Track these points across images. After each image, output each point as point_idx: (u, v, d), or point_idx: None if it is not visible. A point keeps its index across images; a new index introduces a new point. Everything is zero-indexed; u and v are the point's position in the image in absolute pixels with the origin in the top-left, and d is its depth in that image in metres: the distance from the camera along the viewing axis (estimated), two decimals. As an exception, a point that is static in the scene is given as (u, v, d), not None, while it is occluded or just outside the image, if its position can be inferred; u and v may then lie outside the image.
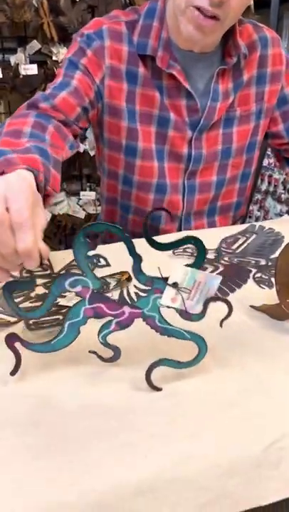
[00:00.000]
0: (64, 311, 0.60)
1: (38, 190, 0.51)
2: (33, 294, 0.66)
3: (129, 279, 0.67)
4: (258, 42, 0.87)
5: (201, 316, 0.47)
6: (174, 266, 0.46)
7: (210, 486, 0.36)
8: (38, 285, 0.68)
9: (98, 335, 0.48)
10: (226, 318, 0.47)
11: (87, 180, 1.79)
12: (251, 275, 0.72)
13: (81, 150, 1.60)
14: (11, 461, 0.38)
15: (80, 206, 1.71)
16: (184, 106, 0.84)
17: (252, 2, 1.75)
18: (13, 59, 1.55)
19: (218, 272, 0.74)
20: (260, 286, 0.69)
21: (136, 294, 0.49)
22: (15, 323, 0.58)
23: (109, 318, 0.48)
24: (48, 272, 0.74)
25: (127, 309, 0.47)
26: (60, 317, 0.58)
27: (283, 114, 0.93)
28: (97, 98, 0.83)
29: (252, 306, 0.62)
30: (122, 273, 0.69)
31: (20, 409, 0.43)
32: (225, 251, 0.82)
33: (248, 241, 0.87)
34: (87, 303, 0.47)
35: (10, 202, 0.43)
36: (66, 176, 1.74)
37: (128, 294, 0.58)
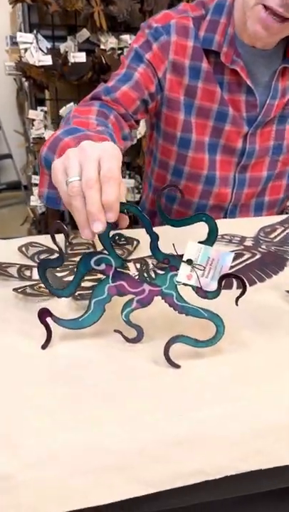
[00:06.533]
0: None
1: None
2: (76, 268, 0.70)
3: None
4: None
5: (216, 293, 0.48)
6: (188, 243, 0.48)
7: (242, 442, 0.39)
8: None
9: (121, 313, 0.51)
10: (241, 295, 0.48)
11: (126, 168, 1.82)
12: (288, 263, 0.74)
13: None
14: (56, 407, 0.42)
15: (119, 193, 1.75)
16: (243, 101, 0.86)
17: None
18: (62, 47, 1.59)
19: (255, 258, 0.75)
20: (296, 273, 0.71)
21: (154, 271, 0.52)
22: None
23: (131, 296, 0.51)
24: (91, 250, 0.78)
25: (146, 287, 0.50)
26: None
27: None
28: (157, 91, 0.86)
29: (288, 292, 0.63)
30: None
31: (56, 368, 0.48)
32: (263, 239, 0.83)
33: (286, 231, 0.88)
34: (110, 281, 0.50)
35: (103, 161, 0.45)
36: None
37: (147, 271, 0.61)
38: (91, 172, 0.45)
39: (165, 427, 0.40)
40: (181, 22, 0.84)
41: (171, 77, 0.86)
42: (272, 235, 0.86)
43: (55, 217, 1.73)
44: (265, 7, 0.73)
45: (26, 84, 1.94)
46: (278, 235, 0.86)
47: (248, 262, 0.74)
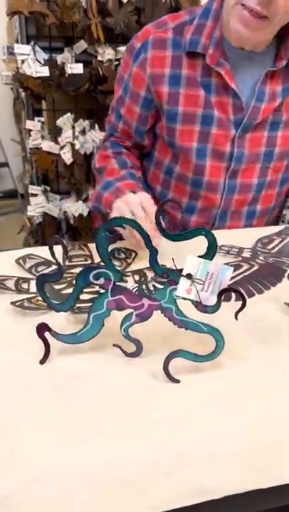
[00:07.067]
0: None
1: None
2: (74, 282, 0.70)
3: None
4: None
5: (215, 307, 0.48)
6: (187, 257, 0.48)
7: (243, 459, 0.38)
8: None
9: (120, 327, 0.51)
10: (240, 310, 0.48)
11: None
12: (286, 274, 0.74)
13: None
14: (55, 423, 0.41)
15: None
16: (229, 104, 0.86)
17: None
18: (59, 58, 1.60)
19: (253, 270, 0.75)
20: (294, 285, 0.71)
21: (153, 285, 0.51)
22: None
23: (130, 310, 0.51)
24: (89, 262, 0.78)
25: (146, 301, 0.50)
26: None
27: None
28: (146, 108, 0.91)
29: (286, 304, 0.63)
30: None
31: (54, 383, 0.47)
32: (261, 250, 0.83)
33: (284, 242, 0.88)
34: (109, 295, 0.50)
35: (144, 203, 0.75)
36: (85, 181, 1.79)
37: (146, 285, 0.60)
38: (140, 212, 0.74)
39: (165, 444, 0.39)
40: (158, 36, 0.86)
41: (155, 89, 0.88)
42: (269, 246, 0.86)
43: (52, 228, 1.73)
44: (244, 6, 0.75)
45: (23, 94, 1.95)
46: (276, 245, 0.86)
47: (245, 273, 0.74)
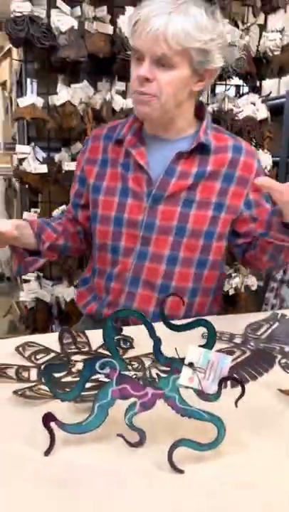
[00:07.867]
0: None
1: (35, 235, 1.03)
2: (74, 369, 0.72)
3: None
4: (231, 147, 1.02)
5: (217, 395, 0.51)
6: (189, 347, 0.52)
7: None
8: (78, 361, 0.74)
9: (124, 416, 0.52)
10: (239, 397, 0.51)
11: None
12: (277, 360, 0.77)
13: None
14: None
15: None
16: (143, 178, 1.02)
17: (267, 114, 1.96)
18: (57, 156, 1.75)
19: (246, 356, 0.79)
20: (286, 371, 0.74)
21: (157, 374, 0.54)
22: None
23: (134, 399, 0.52)
24: (87, 349, 0.80)
25: (150, 390, 0.52)
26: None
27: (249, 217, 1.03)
28: (82, 185, 1.11)
29: (279, 390, 0.66)
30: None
31: (59, 477, 0.48)
32: (251, 336, 0.87)
33: (272, 327, 0.92)
34: (114, 384, 0.52)
35: None
36: (77, 267, 1.85)
37: (150, 373, 0.63)
38: None
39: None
40: (97, 133, 1.12)
41: (86, 168, 1.09)
42: (259, 332, 0.90)
43: (44, 313, 1.75)
44: (136, 91, 0.95)
45: (17, 184, 2.08)
46: (265, 331, 0.90)
47: (238, 359, 0.77)
